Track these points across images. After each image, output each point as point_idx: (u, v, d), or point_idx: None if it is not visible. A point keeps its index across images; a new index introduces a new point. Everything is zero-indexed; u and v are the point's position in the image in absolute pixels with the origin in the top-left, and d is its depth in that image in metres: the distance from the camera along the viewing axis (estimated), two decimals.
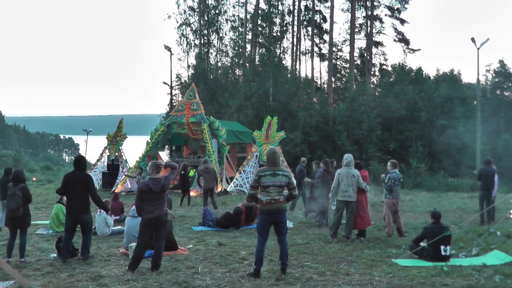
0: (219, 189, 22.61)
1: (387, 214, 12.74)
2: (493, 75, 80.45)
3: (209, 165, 18.62)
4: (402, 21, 49.59)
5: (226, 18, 57.67)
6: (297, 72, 51.94)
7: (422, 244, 9.97)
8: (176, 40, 72.56)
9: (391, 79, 45.57)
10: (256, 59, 46.98)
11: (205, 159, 19.76)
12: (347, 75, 49.29)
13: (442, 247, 9.49)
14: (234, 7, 56.27)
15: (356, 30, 47.67)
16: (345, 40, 50.92)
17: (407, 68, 45.47)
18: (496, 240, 11.50)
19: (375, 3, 48.24)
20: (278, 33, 50.81)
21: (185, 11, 57.24)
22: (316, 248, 10.96)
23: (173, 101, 45.23)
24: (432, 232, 9.71)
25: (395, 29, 50.01)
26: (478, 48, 33.52)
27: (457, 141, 39.81)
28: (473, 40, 33.33)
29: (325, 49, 52.51)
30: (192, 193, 21.68)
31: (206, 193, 17.62)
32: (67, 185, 9.47)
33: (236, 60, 51.01)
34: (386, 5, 49.37)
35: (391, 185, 12.75)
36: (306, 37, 54.99)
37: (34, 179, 37.33)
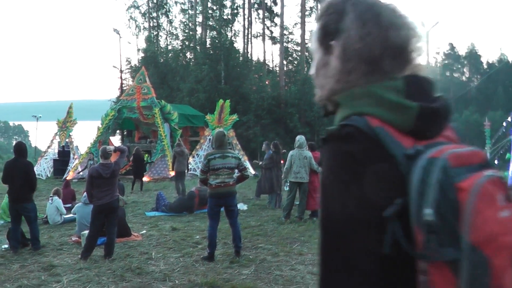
0: (172, 174, 22.53)
1: None
2: (443, 57, 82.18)
3: (184, 148, 18.51)
4: None
5: (175, 1, 57.04)
6: (248, 55, 51.85)
7: None
8: (125, 23, 71.63)
9: None
10: (207, 42, 46.68)
11: (178, 143, 19.64)
12: (298, 58, 49.49)
13: None
14: None
15: (307, 13, 47.81)
16: (296, 23, 51.15)
17: None
18: None
19: None
20: (229, 16, 50.60)
21: None
22: (269, 229, 11.05)
23: (123, 85, 44.64)
24: None
25: None
26: (427, 31, 34.15)
27: None
28: (422, 23, 33.89)
29: (276, 32, 52.55)
30: (145, 178, 21.51)
31: (179, 176, 17.46)
32: (7, 173, 9.23)
33: (187, 43, 50.58)
34: None
35: None
36: (257, 20, 54.95)
37: None
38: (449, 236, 1.00)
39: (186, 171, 18.61)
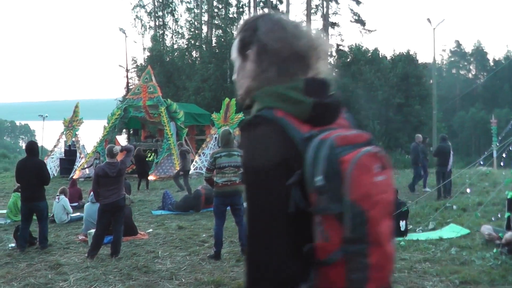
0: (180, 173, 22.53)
1: None
2: (449, 54, 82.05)
3: (187, 147, 18.67)
4: (358, 2, 49.89)
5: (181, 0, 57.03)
6: None
7: None
8: (131, 22, 71.74)
9: (348, 60, 45.89)
10: (213, 41, 46.70)
11: (180, 142, 19.67)
12: None
13: (399, 222, 9.63)
14: None
15: (312, 11, 47.79)
16: (301, 21, 50.98)
17: (363, 48, 45.83)
18: (452, 213, 11.77)
19: None
20: (235, 14, 50.59)
21: None
22: None
23: (129, 85, 44.66)
24: None
25: (351, 10, 50.33)
26: (434, 28, 34.00)
27: (414, 119, 40.51)
28: (429, 20, 33.77)
29: None
30: (151, 177, 21.53)
31: (187, 175, 17.61)
32: (20, 173, 9.27)
33: (193, 41, 50.58)
34: None
35: None
36: None
37: None
38: (335, 196, 1.38)
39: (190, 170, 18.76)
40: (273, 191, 1.45)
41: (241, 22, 1.80)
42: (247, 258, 1.49)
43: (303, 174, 1.43)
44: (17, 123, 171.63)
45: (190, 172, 23.45)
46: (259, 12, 53.53)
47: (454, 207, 12.43)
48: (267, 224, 1.45)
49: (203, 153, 24.71)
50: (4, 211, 13.26)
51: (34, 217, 9.38)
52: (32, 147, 9.56)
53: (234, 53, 1.77)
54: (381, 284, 1.47)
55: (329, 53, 1.78)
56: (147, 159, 24.04)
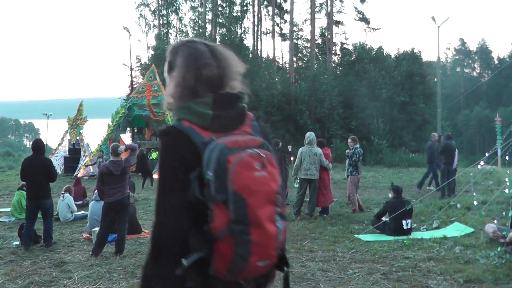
0: None
1: (352, 191, 12.89)
2: (454, 53, 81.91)
3: None
4: (362, 0, 49.72)
5: None
6: (258, 52, 51.78)
7: (384, 218, 10.11)
8: (135, 21, 71.76)
9: (352, 58, 45.79)
10: (217, 39, 46.66)
11: None
12: (308, 54, 49.34)
13: (403, 221, 9.63)
14: None
15: (317, 9, 47.67)
16: (305, 20, 50.91)
17: (367, 47, 45.73)
18: (456, 212, 11.77)
19: None
20: (239, 13, 50.53)
21: None
22: None
23: (133, 83, 44.76)
24: (394, 207, 9.84)
25: (356, 8, 50.23)
26: (438, 27, 33.92)
27: (418, 117, 40.43)
28: (433, 18, 33.70)
29: (286, 29, 52.45)
30: (156, 176, 21.51)
31: None
32: (26, 171, 9.29)
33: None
34: None
35: (356, 160, 12.93)
36: (266, 17, 54.85)
37: None
38: (221, 187, 1.81)
39: None
40: (173, 183, 1.89)
41: (170, 46, 2.27)
42: (153, 231, 1.90)
43: (201, 170, 1.87)
44: (22, 121, 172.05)
45: None
46: (263, 10, 53.66)
47: (458, 205, 12.42)
48: (169, 207, 1.88)
49: None
50: (9, 209, 13.31)
51: (39, 215, 9.40)
52: (38, 145, 9.58)
53: (165, 72, 2.25)
54: (265, 258, 1.91)
55: (242, 73, 2.27)
56: (149, 158, 24.07)
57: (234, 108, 2.08)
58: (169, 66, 2.19)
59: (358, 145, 13.23)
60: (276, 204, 1.94)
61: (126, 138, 40.57)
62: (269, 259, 1.94)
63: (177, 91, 2.11)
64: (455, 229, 9.90)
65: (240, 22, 50.29)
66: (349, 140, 13.57)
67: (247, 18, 52.58)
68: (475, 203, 12.13)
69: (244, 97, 2.18)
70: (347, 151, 13.57)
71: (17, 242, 9.49)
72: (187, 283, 1.88)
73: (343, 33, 58.61)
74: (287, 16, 51.67)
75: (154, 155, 25.23)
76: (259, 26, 53.17)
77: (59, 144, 28.71)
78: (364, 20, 50.51)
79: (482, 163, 15.21)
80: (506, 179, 10.48)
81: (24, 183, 10.38)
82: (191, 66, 2.10)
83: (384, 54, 45.09)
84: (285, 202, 14.14)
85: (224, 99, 2.08)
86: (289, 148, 16.43)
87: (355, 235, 9.77)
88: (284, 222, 2.00)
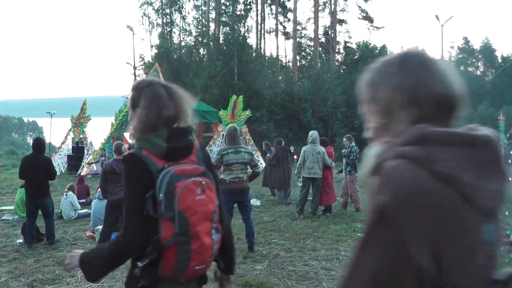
0: None
1: (354, 190, 12.88)
2: (457, 51, 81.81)
3: None
4: None
5: None
6: (262, 51, 51.79)
7: None
8: (138, 19, 71.81)
9: (356, 57, 45.77)
10: (220, 38, 46.67)
11: None
12: (311, 53, 49.33)
13: None
14: None
15: (320, 8, 47.66)
16: (309, 19, 50.99)
17: (371, 45, 45.70)
18: None
19: None
20: (242, 12, 50.57)
21: None
22: (283, 225, 11.05)
23: None
24: None
25: (359, 7, 50.20)
26: (442, 25, 33.88)
27: None
28: (437, 17, 33.65)
29: (289, 27, 52.40)
30: None
31: None
32: (26, 169, 9.28)
33: (200, 39, 50.58)
34: None
35: (354, 159, 12.92)
36: (270, 15, 54.83)
37: None
38: (170, 206, 2.35)
39: None
40: (135, 200, 2.41)
41: (135, 81, 2.72)
42: (118, 240, 2.43)
43: (155, 192, 2.39)
44: (25, 120, 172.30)
45: None
46: (267, 9, 53.60)
47: None
48: (133, 217, 2.41)
49: (210, 150, 24.73)
50: (12, 207, 13.33)
51: (40, 212, 9.42)
52: (39, 143, 9.57)
53: (128, 105, 2.72)
54: (202, 263, 2.48)
55: (191, 111, 2.76)
56: None
57: (184, 141, 2.62)
58: (133, 102, 2.65)
59: (353, 144, 13.23)
60: (212, 221, 2.53)
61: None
62: (205, 264, 2.53)
63: (139, 127, 2.58)
64: None
65: (243, 21, 50.37)
66: (344, 139, 13.55)
67: (251, 16, 52.68)
68: None
69: (192, 130, 2.78)
70: (343, 150, 13.54)
71: (21, 240, 9.51)
72: (141, 281, 2.43)
73: (347, 31, 58.54)
74: (290, 15, 51.64)
75: None
76: (263, 25, 53.20)
77: (63, 143, 28.72)
78: (368, 18, 50.49)
79: None
80: (510, 178, 10.47)
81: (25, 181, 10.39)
82: (153, 108, 2.55)
83: (388, 53, 45.05)
84: (288, 201, 14.22)
85: (177, 133, 2.59)
86: (292, 149, 16.45)
87: (358, 234, 9.76)
88: (219, 235, 2.59)
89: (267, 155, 16.52)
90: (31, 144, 9.87)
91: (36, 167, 9.14)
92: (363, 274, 1.29)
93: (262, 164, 19.47)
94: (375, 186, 1.32)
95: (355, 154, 12.96)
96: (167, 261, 2.41)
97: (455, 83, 1.45)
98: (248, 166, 8.44)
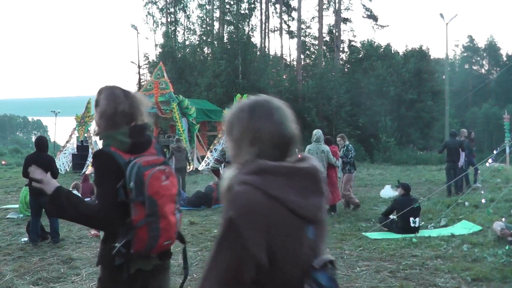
0: (190, 168, 22.52)
1: (345, 191, 12.87)
2: (462, 50, 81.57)
3: (181, 144, 18.34)
4: None
5: None
6: (266, 50, 51.79)
7: (391, 216, 10.07)
8: (143, 18, 71.86)
9: (360, 55, 45.75)
10: (225, 37, 46.65)
11: (177, 138, 19.55)
12: (316, 52, 49.25)
13: (411, 219, 9.59)
14: None
15: (325, 7, 47.63)
16: (313, 17, 50.88)
17: (375, 44, 45.65)
18: (464, 210, 11.73)
19: None
20: (246, 11, 50.53)
21: None
22: None
23: (141, 81, 44.86)
24: (402, 204, 9.81)
25: (363, 5, 50.13)
26: (446, 24, 33.78)
27: (426, 115, 40.32)
28: (441, 15, 33.55)
29: (293, 26, 52.45)
30: None
31: (177, 172, 17.40)
32: (28, 167, 9.28)
33: (204, 38, 50.56)
34: None
35: (352, 157, 12.93)
36: (274, 14, 54.86)
37: (4, 162, 36.72)
38: (140, 192, 2.78)
39: (187, 166, 18.52)
40: (107, 188, 2.84)
41: (99, 89, 3.17)
42: (94, 217, 2.85)
43: (125, 181, 2.84)
44: (30, 118, 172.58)
45: (201, 169, 23.52)
46: (271, 8, 53.56)
47: (466, 203, 12.39)
48: (106, 202, 2.82)
49: (214, 149, 24.75)
50: (17, 206, 13.36)
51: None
52: (42, 142, 9.56)
53: (93, 108, 3.35)
54: (169, 239, 2.98)
55: (149, 110, 3.28)
56: None
57: (144, 136, 3.11)
58: (96, 103, 3.13)
59: (348, 142, 13.25)
60: (175, 202, 3.04)
61: None
62: (171, 239, 3.01)
63: (101, 122, 3.06)
64: (463, 227, 9.88)
65: (247, 20, 50.29)
66: (338, 139, 13.54)
67: (255, 15, 52.66)
68: (483, 201, 12.11)
69: (149, 127, 3.26)
70: (339, 151, 13.49)
71: (25, 239, 9.53)
72: (117, 260, 2.87)
73: (351, 30, 58.64)
74: (294, 14, 51.67)
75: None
76: (267, 24, 53.25)
77: (67, 142, 28.81)
78: (372, 17, 50.44)
79: (490, 160, 15.16)
80: None
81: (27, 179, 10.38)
82: (111, 105, 3.03)
83: (392, 52, 45.05)
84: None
85: (136, 129, 3.06)
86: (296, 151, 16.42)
87: (363, 233, 9.76)
88: (180, 214, 3.11)
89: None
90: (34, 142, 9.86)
91: (39, 166, 9.11)
92: (218, 268, 1.74)
93: None
94: (226, 204, 1.81)
95: (351, 152, 12.97)
96: (139, 239, 2.83)
97: (291, 127, 1.94)
98: None
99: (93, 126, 3.31)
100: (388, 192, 15.11)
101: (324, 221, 2.00)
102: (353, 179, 13.05)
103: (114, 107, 3.02)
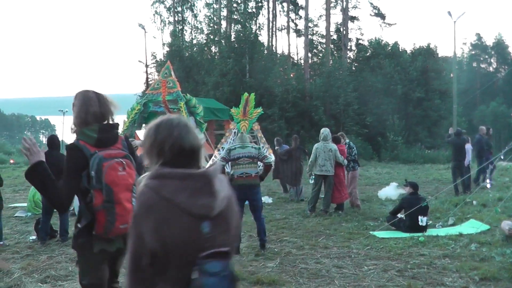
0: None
1: (354, 186, 12.84)
2: (470, 48, 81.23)
3: None
4: None
5: None
6: (273, 48, 51.68)
7: (399, 215, 10.05)
8: (150, 18, 71.95)
9: (368, 54, 45.61)
10: (232, 36, 46.64)
11: None
12: (323, 50, 49.11)
13: (419, 218, 9.57)
14: None
15: (332, 5, 47.41)
16: (321, 16, 50.70)
17: (383, 42, 45.52)
18: (472, 209, 11.70)
19: None
20: (254, 9, 50.51)
21: None
22: (294, 222, 11.04)
23: (149, 80, 44.93)
24: (410, 203, 9.79)
25: (371, 3, 49.92)
26: (454, 22, 33.68)
27: (433, 113, 40.20)
28: (449, 13, 33.44)
29: (301, 24, 52.23)
30: None
31: None
32: None
33: (212, 37, 50.55)
34: None
35: (355, 154, 12.92)
36: (281, 13, 54.74)
37: (12, 161, 36.89)
38: (99, 180, 3.39)
39: None
40: (71, 179, 3.41)
41: (76, 92, 3.75)
42: (57, 201, 3.48)
43: (89, 171, 3.36)
44: (38, 118, 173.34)
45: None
46: (278, 6, 53.53)
47: (474, 202, 12.36)
48: (68, 190, 3.42)
49: (222, 147, 24.72)
50: (25, 204, 13.41)
51: (55, 209, 9.46)
52: (54, 140, 9.66)
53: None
54: (124, 222, 3.31)
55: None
56: None
57: (111, 133, 3.62)
58: (73, 106, 3.66)
59: (348, 140, 13.24)
60: (132, 191, 3.48)
61: (142, 134, 40.64)
62: (127, 223, 3.18)
63: (76, 121, 3.62)
64: (471, 226, 9.85)
65: (255, 19, 50.27)
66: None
67: (262, 14, 52.60)
68: (491, 200, 12.06)
69: (118, 125, 3.75)
70: None
71: (34, 237, 9.58)
72: (80, 239, 3.50)
73: (359, 28, 58.31)
74: (302, 12, 51.43)
75: None
76: (274, 22, 53.09)
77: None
78: (380, 15, 50.22)
79: (499, 159, 15.09)
80: None
81: None
82: (83, 105, 3.58)
83: (400, 50, 44.88)
84: (301, 198, 14.20)
85: (105, 127, 3.58)
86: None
87: (370, 232, 9.75)
88: None
89: (276, 148, 16.51)
90: (44, 141, 9.95)
91: (51, 164, 9.14)
92: (128, 256, 2.25)
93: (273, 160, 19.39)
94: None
95: (354, 149, 12.96)
96: (99, 222, 3.39)
97: (190, 139, 2.35)
98: (258, 162, 8.51)
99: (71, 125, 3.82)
100: (387, 192, 14.90)
101: (227, 217, 2.34)
102: (357, 176, 13.03)
103: (86, 109, 3.57)
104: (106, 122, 3.62)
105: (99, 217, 3.37)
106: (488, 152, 16.57)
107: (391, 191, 14.80)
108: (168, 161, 2.31)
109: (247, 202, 8.48)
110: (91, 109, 3.56)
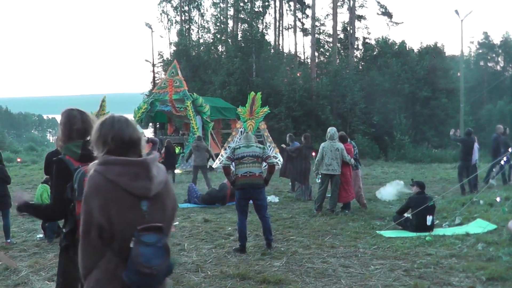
0: (213, 164, 22.55)
1: (359, 185, 12.80)
2: (477, 46, 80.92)
3: (201, 142, 18.32)
4: None
5: None
6: (280, 47, 51.70)
7: (406, 215, 10.02)
8: (157, 17, 72.01)
9: (374, 53, 45.53)
10: (239, 35, 46.68)
11: (198, 136, 19.63)
12: (330, 49, 49.09)
13: (427, 217, 9.54)
14: None
15: (339, 4, 47.36)
16: (327, 15, 50.68)
17: (390, 41, 45.42)
18: (479, 208, 11.64)
19: None
20: (260, 9, 50.55)
21: None
22: (301, 222, 11.03)
23: (155, 79, 44.94)
24: (416, 202, 9.76)
25: (378, 2, 49.87)
26: (461, 20, 33.59)
27: (441, 112, 40.08)
28: (456, 12, 33.34)
29: (307, 23, 52.20)
30: (177, 171, 21.65)
31: (196, 170, 17.49)
32: (50, 165, 9.36)
33: (218, 36, 50.59)
34: None
35: (356, 153, 12.91)
36: (288, 12, 54.75)
37: (19, 160, 37.03)
38: (81, 192, 2.94)
39: (207, 164, 18.54)
40: (59, 188, 3.71)
41: (62, 111, 4.16)
42: (47, 209, 3.94)
43: (73, 183, 3.56)
44: (45, 116, 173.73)
45: (215, 166, 23.55)
46: (285, 5, 53.50)
47: (481, 202, 12.31)
48: (58, 200, 3.73)
49: (228, 146, 24.77)
50: (32, 203, 13.42)
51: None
52: None
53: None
54: None
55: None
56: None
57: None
58: (60, 122, 4.05)
59: (349, 139, 13.20)
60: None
61: (149, 133, 40.78)
62: None
63: (61, 137, 3.99)
64: (478, 226, 9.81)
65: (261, 18, 50.32)
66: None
67: (269, 13, 52.63)
68: (498, 199, 12.01)
69: None
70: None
71: (41, 235, 9.61)
72: (64, 241, 3.77)
73: (366, 27, 58.55)
74: (308, 11, 51.39)
75: (176, 150, 25.33)
76: (281, 21, 53.12)
77: None
78: (387, 14, 50.18)
79: (505, 158, 15.04)
80: None
81: (47, 177, 10.44)
82: (67, 123, 3.97)
83: (407, 49, 44.79)
84: (310, 198, 14.19)
85: (88, 143, 3.54)
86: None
87: (377, 231, 9.73)
88: None
89: (287, 142, 16.51)
90: (53, 140, 10.01)
91: None
92: (81, 225, 2.69)
93: (280, 160, 19.39)
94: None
95: (355, 148, 12.94)
96: (79, 229, 3.45)
97: (129, 133, 2.86)
98: (263, 162, 8.49)
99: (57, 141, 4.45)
100: (387, 192, 14.79)
101: (163, 198, 2.89)
102: (360, 175, 13.01)
103: (70, 126, 3.96)
104: (88, 137, 3.81)
105: (79, 224, 3.64)
106: (505, 152, 16.50)
107: (391, 191, 14.73)
108: (112, 150, 2.81)
109: (251, 202, 8.48)
110: (75, 126, 3.96)
